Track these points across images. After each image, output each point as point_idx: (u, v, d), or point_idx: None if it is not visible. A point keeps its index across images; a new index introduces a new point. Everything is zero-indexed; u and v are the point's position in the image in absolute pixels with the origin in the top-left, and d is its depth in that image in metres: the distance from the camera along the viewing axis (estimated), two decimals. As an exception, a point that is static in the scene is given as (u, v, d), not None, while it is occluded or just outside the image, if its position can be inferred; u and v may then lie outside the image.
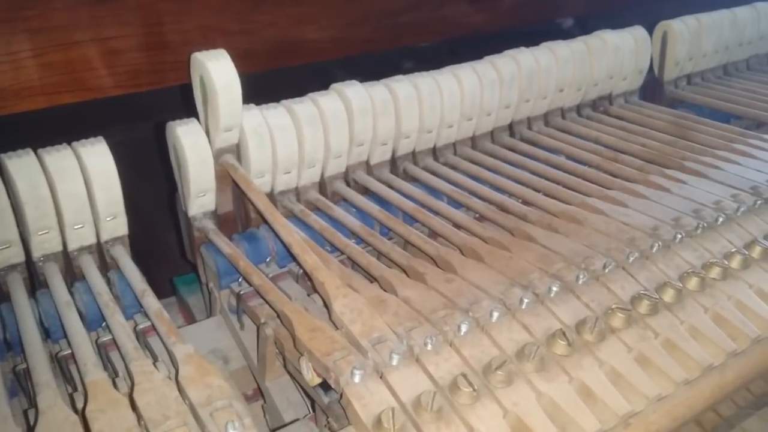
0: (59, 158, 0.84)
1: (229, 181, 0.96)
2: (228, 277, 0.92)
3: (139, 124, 1.26)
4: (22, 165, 0.82)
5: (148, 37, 1.06)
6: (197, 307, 1.08)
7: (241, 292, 0.88)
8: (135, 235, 0.94)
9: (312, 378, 0.69)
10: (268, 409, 0.88)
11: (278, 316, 0.78)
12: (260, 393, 0.90)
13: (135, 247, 0.95)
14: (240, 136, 0.94)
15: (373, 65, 1.40)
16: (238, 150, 0.95)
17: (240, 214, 1.02)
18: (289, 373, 0.82)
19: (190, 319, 1.08)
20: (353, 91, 1.02)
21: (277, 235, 0.89)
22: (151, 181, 1.15)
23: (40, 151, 0.84)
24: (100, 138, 0.87)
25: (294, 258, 0.86)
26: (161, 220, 1.16)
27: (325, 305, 0.77)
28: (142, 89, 1.09)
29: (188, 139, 0.90)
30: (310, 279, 0.80)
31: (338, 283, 0.76)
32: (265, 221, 0.91)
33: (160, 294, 1.12)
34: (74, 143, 0.86)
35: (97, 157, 0.86)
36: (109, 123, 1.26)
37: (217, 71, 0.88)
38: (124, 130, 1.31)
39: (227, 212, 0.99)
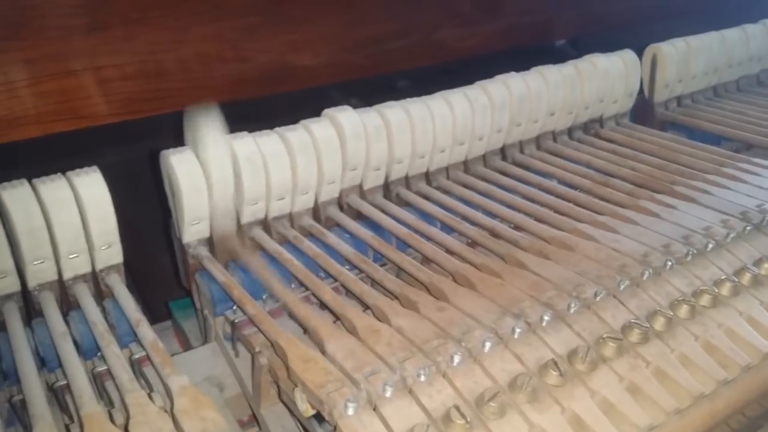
0: (54, 188, 0.85)
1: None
2: (222, 305, 0.92)
3: (136, 146, 1.26)
4: (16, 195, 0.83)
5: (142, 65, 1.07)
6: (192, 332, 1.09)
7: (236, 320, 0.89)
8: (131, 257, 0.95)
9: (306, 409, 0.70)
10: (264, 436, 0.88)
11: (272, 345, 0.78)
12: (255, 420, 0.90)
13: (131, 270, 0.96)
14: (234, 163, 0.95)
15: (367, 86, 1.41)
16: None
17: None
18: (283, 402, 0.82)
19: (186, 344, 1.09)
20: (345, 116, 1.03)
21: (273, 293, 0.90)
22: (147, 203, 1.15)
23: (34, 181, 0.85)
24: (95, 167, 0.88)
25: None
26: (158, 242, 1.16)
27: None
28: (137, 116, 1.09)
29: (182, 168, 0.90)
30: (304, 329, 0.81)
31: (330, 327, 0.77)
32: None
33: (156, 317, 1.14)
34: (69, 173, 0.86)
35: (92, 186, 0.86)
36: (105, 145, 1.27)
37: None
38: (121, 151, 1.32)
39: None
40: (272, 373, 0.80)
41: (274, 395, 0.84)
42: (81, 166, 0.88)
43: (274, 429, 0.84)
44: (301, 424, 0.81)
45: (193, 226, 0.95)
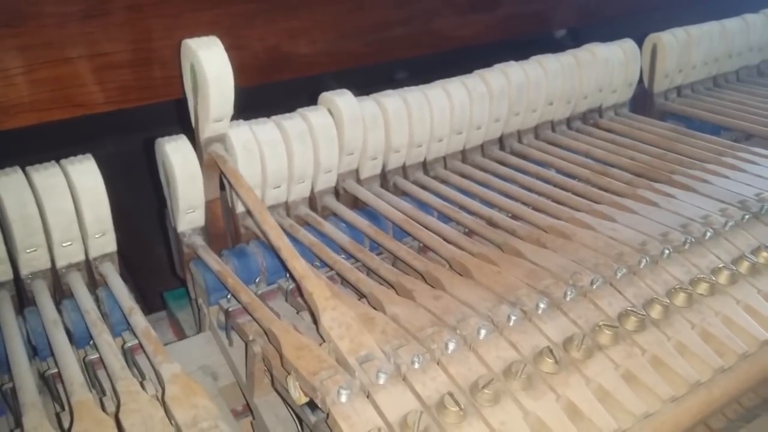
0: (47, 176, 0.84)
1: (216, 171, 0.95)
2: (217, 294, 0.92)
3: (131, 136, 1.26)
4: (9, 183, 0.82)
5: (138, 53, 1.06)
6: (187, 322, 1.08)
7: (230, 309, 0.88)
8: (126, 247, 0.94)
9: (299, 397, 0.69)
10: (257, 425, 0.87)
11: (266, 333, 0.78)
12: (249, 410, 0.90)
13: (126, 259, 0.95)
14: (229, 151, 0.94)
15: (366, 75, 1.41)
16: (226, 143, 0.95)
17: (230, 229, 1.02)
18: (276, 391, 0.81)
19: (181, 333, 1.08)
20: (343, 100, 1.02)
21: (265, 237, 0.88)
22: (142, 192, 1.15)
23: (28, 168, 0.84)
24: (89, 155, 0.87)
25: (282, 263, 0.85)
26: (153, 232, 1.16)
27: (313, 316, 0.77)
28: (132, 105, 1.09)
29: (177, 156, 0.90)
30: (299, 287, 0.80)
31: (327, 294, 0.76)
32: (252, 215, 0.91)
33: (151, 307, 1.13)
34: (62, 161, 0.86)
35: (86, 174, 0.85)
36: (101, 134, 1.26)
37: (209, 59, 0.86)
38: (117, 141, 1.31)
39: (216, 222, 0.99)
40: (266, 361, 0.79)
41: (267, 384, 0.83)
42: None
43: (267, 418, 0.84)
44: (295, 413, 0.80)
45: (188, 214, 0.94)
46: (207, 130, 0.91)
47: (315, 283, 0.77)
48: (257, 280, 0.93)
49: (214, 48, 0.87)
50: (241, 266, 0.93)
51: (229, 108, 0.90)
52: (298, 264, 0.80)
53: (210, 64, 0.86)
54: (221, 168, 0.92)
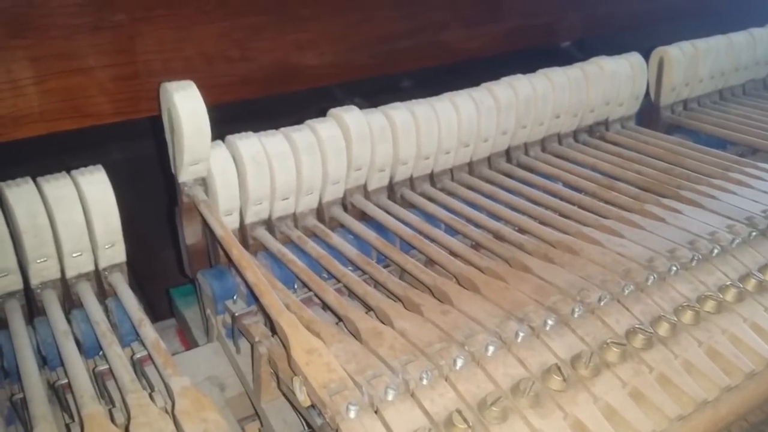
0: (58, 187, 0.84)
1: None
2: (224, 302, 0.93)
3: (138, 143, 1.26)
4: (21, 194, 0.83)
5: (147, 64, 1.07)
6: (194, 321, 1.08)
7: (236, 313, 0.89)
8: (134, 254, 0.94)
9: (305, 399, 0.69)
10: (265, 431, 0.88)
11: (272, 326, 0.77)
12: (257, 415, 0.90)
13: (134, 267, 0.96)
14: (238, 163, 0.95)
15: (372, 84, 1.41)
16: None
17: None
18: (282, 392, 0.82)
19: (189, 336, 1.08)
20: (351, 116, 1.03)
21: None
22: (148, 199, 1.15)
23: (38, 179, 0.85)
24: (99, 166, 0.88)
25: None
26: (159, 238, 1.17)
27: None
28: (141, 116, 1.09)
29: (185, 105, 0.88)
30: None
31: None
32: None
33: (158, 315, 1.14)
34: (73, 172, 0.86)
35: (96, 185, 0.86)
36: (107, 141, 1.27)
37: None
38: (122, 148, 1.32)
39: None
40: (271, 363, 0.79)
41: (274, 388, 0.84)
42: (85, 164, 0.88)
43: (275, 423, 0.84)
44: (299, 413, 0.80)
45: (192, 167, 0.93)
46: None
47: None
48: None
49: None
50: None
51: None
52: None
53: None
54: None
